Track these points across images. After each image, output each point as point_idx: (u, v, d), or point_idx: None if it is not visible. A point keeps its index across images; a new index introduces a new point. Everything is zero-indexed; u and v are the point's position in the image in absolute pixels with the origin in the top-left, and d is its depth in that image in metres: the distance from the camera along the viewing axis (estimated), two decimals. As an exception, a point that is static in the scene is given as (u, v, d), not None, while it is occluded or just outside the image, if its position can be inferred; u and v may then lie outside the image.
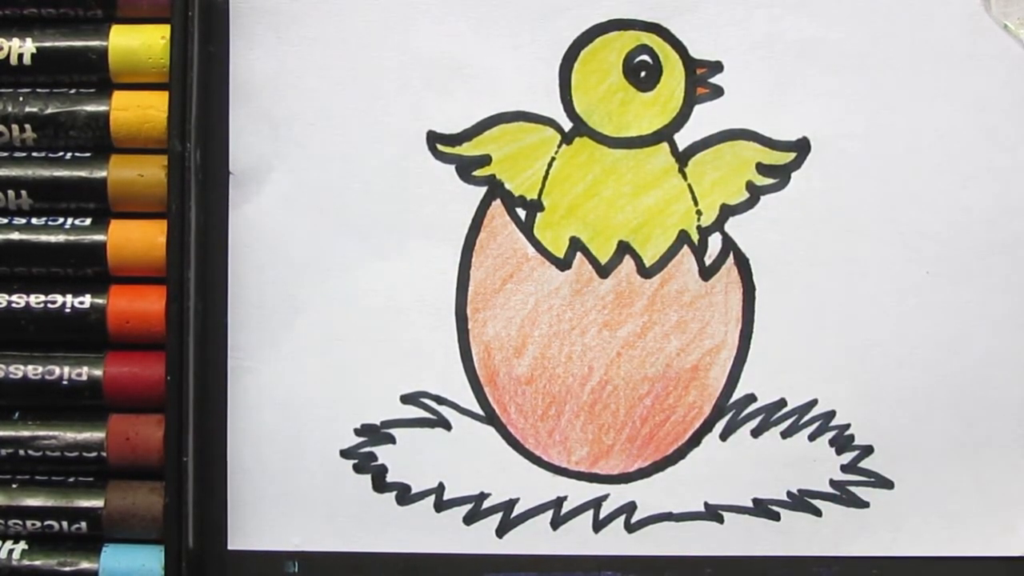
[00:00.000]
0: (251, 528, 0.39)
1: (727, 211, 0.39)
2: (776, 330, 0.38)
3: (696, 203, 0.39)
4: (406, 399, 0.39)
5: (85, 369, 0.38)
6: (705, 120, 0.39)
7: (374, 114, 0.39)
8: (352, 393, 0.39)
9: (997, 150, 0.38)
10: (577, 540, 0.39)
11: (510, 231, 0.39)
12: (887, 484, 0.38)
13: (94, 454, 0.38)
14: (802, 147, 0.38)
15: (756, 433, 0.38)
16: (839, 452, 0.38)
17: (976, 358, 0.38)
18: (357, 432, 0.39)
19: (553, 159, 0.39)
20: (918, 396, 0.38)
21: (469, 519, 0.39)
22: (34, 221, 0.39)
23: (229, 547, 0.39)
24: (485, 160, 0.39)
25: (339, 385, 0.39)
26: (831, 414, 0.38)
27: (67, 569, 0.38)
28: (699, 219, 0.39)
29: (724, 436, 0.39)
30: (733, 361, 0.39)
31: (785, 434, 0.38)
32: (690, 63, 0.39)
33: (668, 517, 0.39)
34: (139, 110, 0.39)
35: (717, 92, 0.39)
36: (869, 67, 0.38)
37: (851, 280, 0.38)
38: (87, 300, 0.39)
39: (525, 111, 0.39)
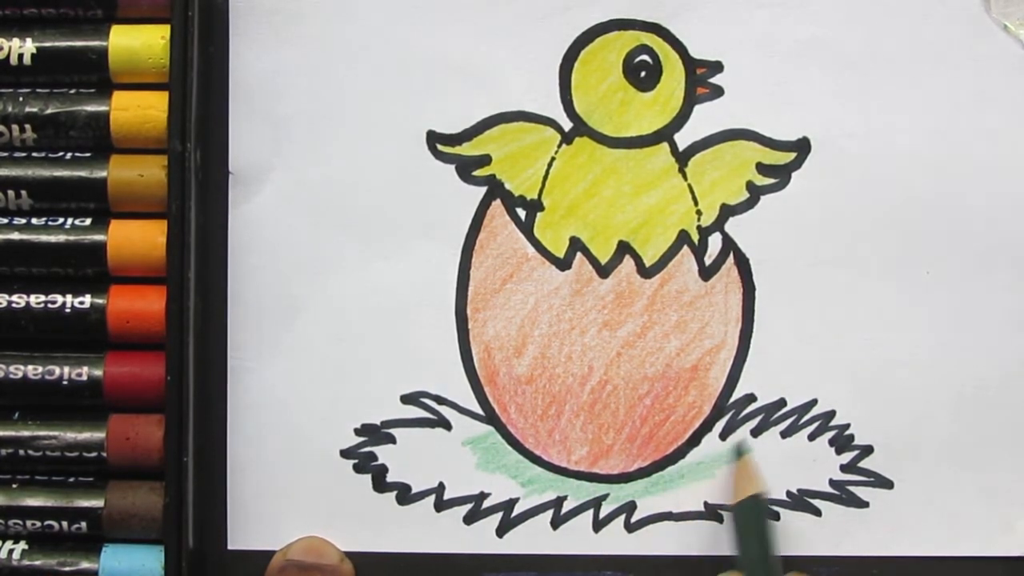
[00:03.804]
0: (251, 528, 0.39)
1: (727, 211, 0.39)
2: (776, 330, 0.38)
3: (696, 203, 0.39)
4: (406, 399, 0.39)
5: (85, 369, 0.38)
6: (705, 120, 0.39)
7: (374, 114, 0.39)
8: (352, 393, 0.39)
9: (997, 150, 0.38)
10: (577, 540, 0.39)
11: (510, 231, 0.39)
12: (887, 484, 0.38)
13: (94, 454, 0.38)
14: (802, 147, 0.38)
15: (756, 433, 0.38)
16: (839, 452, 0.38)
17: (976, 358, 0.38)
18: (357, 432, 0.39)
19: (553, 159, 0.39)
20: (918, 396, 0.38)
21: (469, 519, 0.39)
22: (34, 221, 0.39)
23: (229, 547, 0.39)
24: (485, 160, 0.39)
25: (339, 385, 0.39)
26: (831, 414, 0.38)
27: (67, 569, 0.38)
28: (699, 219, 0.39)
29: (724, 436, 0.39)
30: (733, 361, 0.39)
31: (785, 434, 0.38)
32: (690, 63, 0.39)
33: (668, 517, 0.39)
34: (139, 110, 0.39)
35: (717, 92, 0.39)
36: (869, 67, 0.38)
37: (851, 280, 0.38)
38: (87, 300, 0.39)
39: (525, 111, 0.39)
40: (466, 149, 0.39)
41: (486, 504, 0.39)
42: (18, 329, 0.39)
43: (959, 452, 0.38)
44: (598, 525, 0.39)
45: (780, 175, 0.39)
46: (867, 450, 0.38)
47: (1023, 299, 0.38)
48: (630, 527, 0.39)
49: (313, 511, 0.39)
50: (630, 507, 0.39)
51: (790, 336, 0.38)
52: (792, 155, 0.39)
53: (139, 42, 0.39)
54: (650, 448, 0.39)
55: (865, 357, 0.38)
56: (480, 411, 0.39)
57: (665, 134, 0.39)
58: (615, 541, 0.38)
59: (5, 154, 0.39)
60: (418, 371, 0.39)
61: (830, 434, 0.38)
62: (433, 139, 0.39)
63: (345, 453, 0.39)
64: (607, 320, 0.39)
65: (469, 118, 0.39)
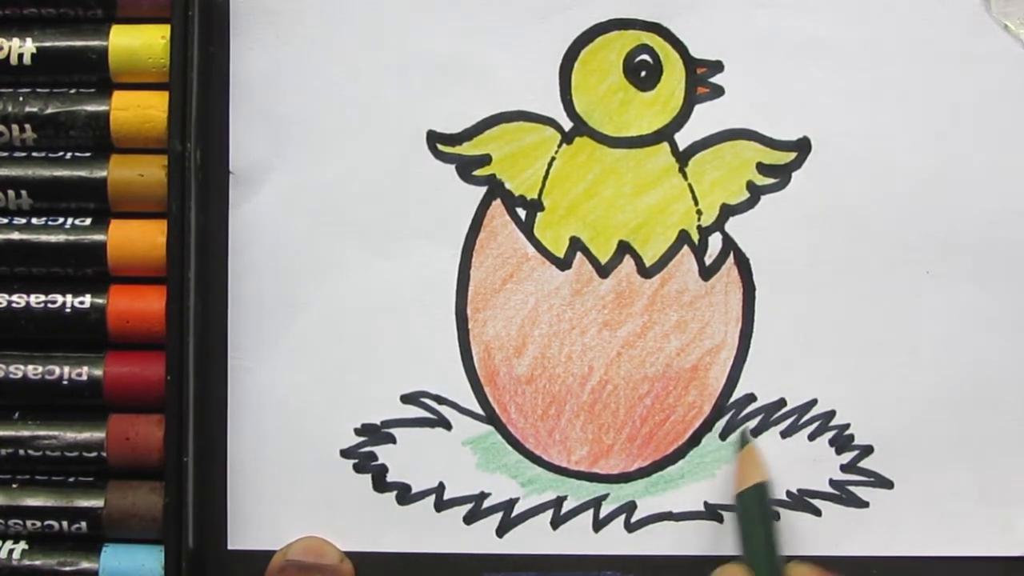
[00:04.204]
0: (251, 528, 0.39)
1: (727, 211, 0.39)
2: (776, 330, 0.38)
3: (696, 203, 0.39)
4: (406, 399, 0.39)
5: (85, 369, 0.38)
6: (705, 120, 0.39)
7: (374, 114, 0.39)
8: (352, 393, 0.39)
9: (997, 150, 0.38)
10: (577, 540, 0.39)
11: (510, 231, 0.39)
12: (887, 484, 0.38)
13: (94, 454, 0.38)
14: (802, 147, 0.38)
15: (756, 433, 0.38)
16: (839, 452, 0.38)
17: (976, 358, 0.38)
18: (357, 432, 0.39)
19: (553, 159, 0.39)
20: (918, 396, 0.38)
21: (469, 519, 0.39)
22: (34, 221, 0.39)
23: (229, 547, 0.39)
24: (485, 160, 0.39)
25: (339, 385, 0.39)
26: (831, 414, 0.38)
27: (67, 569, 0.38)
28: (699, 219, 0.39)
29: (724, 436, 0.39)
30: (733, 361, 0.39)
31: (785, 434, 0.38)
32: (690, 63, 0.39)
33: (668, 517, 0.39)
34: (139, 110, 0.39)
35: (717, 92, 0.39)
36: (869, 67, 0.38)
37: (851, 280, 0.38)
38: (87, 300, 0.39)
39: (525, 111, 0.39)
40: (466, 149, 0.39)
41: (486, 504, 0.39)
42: (18, 329, 0.39)
43: (959, 452, 0.38)
44: (598, 525, 0.39)
45: (780, 175, 0.39)
46: (867, 450, 0.38)
47: (1023, 299, 0.38)
48: (630, 527, 0.39)
49: (313, 511, 0.39)
50: (630, 507, 0.39)
51: (790, 336, 0.38)
52: (792, 155, 0.38)
53: (139, 42, 0.39)
54: (650, 448, 0.39)
55: (865, 357, 0.38)
56: (480, 411, 0.39)
57: (665, 134, 0.39)
58: (615, 541, 0.38)
59: (5, 154, 0.39)
60: (418, 371, 0.39)
61: (830, 434, 0.38)
62: (433, 139, 0.39)
63: (345, 453, 0.39)
64: (607, 320, 0.39)
65: (469, 118, 0.39)
